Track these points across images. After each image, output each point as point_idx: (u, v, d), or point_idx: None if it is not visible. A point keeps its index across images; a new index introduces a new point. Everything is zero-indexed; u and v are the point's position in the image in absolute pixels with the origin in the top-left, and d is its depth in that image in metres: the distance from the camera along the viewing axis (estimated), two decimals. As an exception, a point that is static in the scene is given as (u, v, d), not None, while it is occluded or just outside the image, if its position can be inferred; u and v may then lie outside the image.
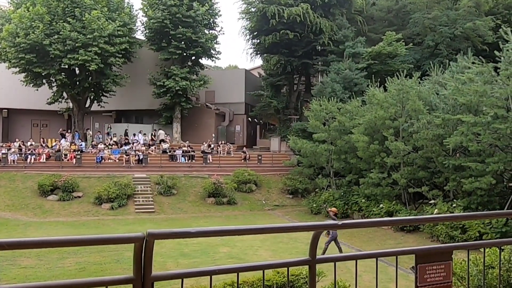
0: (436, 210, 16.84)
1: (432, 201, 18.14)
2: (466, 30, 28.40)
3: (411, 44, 30.01)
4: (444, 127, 17.31)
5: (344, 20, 33.34)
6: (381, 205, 19.93)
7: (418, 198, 20.59)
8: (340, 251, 14.01)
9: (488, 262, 6.26)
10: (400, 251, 2.63)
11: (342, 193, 22.77)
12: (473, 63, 18.27)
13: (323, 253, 13.90)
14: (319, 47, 33.10)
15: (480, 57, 18.06)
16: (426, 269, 2.57)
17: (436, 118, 17.22)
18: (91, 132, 31.72)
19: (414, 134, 18.37)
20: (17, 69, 28.87)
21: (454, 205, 16.77)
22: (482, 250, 2.84)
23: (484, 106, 15.55)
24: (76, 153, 27.05)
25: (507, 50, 15.13)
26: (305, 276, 6.47)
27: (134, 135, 31.69)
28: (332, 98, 25.05)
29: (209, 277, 2.15)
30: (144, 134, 32.32)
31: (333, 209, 15.14)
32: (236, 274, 2.24)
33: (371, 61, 29.02)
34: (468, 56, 19.58)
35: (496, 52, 15.99)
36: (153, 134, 32.53)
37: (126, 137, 31.39)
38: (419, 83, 20.82)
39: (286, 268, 2.46)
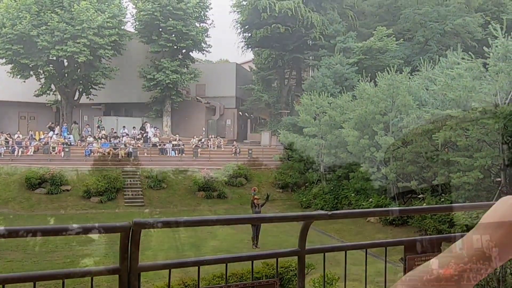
0: (424, 204, 17.02)
1: (420, 196, 18.32)
2: (456, 26, 28.60)
3: (402, 39, 30.11)
4: (433, 122, 17.46)
5: (336, 14, 33.32)
6: (370, 200, 20.09)
7: (407, 193, 20.76)
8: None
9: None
10: (389, 242, 2.63)
11: (332, 187, 22.87)
12: (462, 58, 18.44)
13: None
14: (310, 42, 33.06)
15: (469, 53, 18.25)
16: (414, 260, 2.56)
17: (425, 113, 17.36)
18: (77, 126, 31.24)
19: (403, 129, 18.49)
20: (4, 60, 28.30)
21: (442, 199, 16.96)
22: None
23: (472, 102, 15.72)
24: (64, 146, 26.71)
25: (496, 46, 15.30)
26: (294, 268, 6.50)
27: (124, 127, 31.42)
28: (323, 92, 25.07)
29: (198, 268, 2.13)
30: (134, 127, 32.08)
31: (257, 197, 14.84)
32: (224, 265, 2.22)
33: (362, 56, 29.06)
34: (458, 52, 19.74)
35: (485, 48, 16.15)
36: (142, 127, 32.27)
37: (142, 131, 31.10)
38: (409, 78, 20.93)
39: (275, 260, 2.45)
